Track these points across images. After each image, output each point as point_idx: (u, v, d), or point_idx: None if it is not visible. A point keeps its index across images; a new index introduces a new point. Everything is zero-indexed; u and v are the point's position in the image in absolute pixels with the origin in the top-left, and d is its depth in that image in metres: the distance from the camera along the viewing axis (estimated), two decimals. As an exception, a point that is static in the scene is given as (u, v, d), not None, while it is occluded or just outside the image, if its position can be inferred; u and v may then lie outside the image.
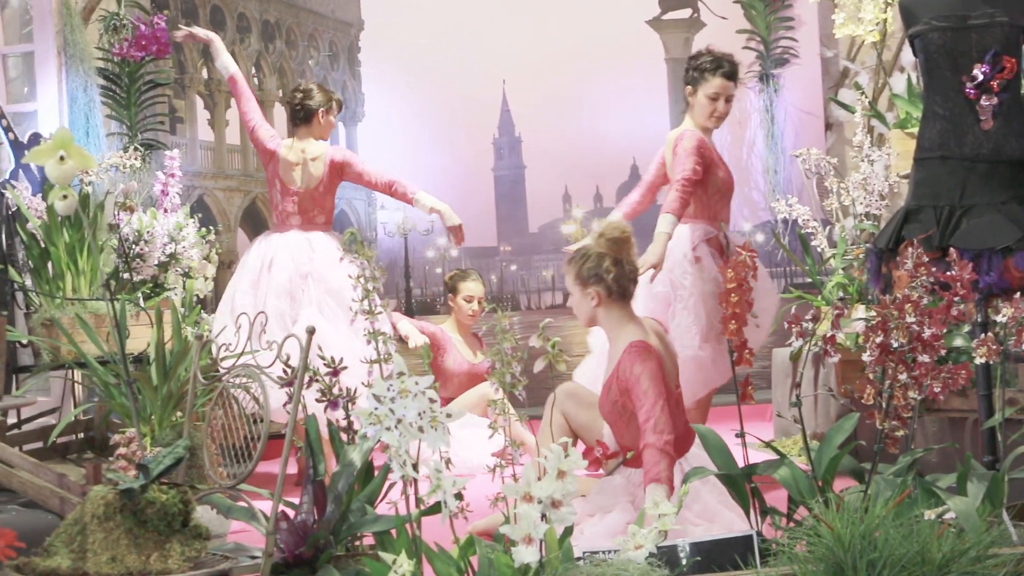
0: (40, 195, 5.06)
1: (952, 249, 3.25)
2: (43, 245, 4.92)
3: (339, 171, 5.13)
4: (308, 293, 4.92)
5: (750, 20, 6.96)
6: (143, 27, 5.96)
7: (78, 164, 2.78)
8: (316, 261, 4.96)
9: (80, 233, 4.85)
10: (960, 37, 3.79)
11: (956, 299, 3.10)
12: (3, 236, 5.04)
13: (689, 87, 4.65)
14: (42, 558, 2.64)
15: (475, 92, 7.51)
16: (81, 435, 4.82)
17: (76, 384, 5.31)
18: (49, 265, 4.91)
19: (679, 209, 4.32)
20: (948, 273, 3.12)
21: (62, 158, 2.72)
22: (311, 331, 2.88)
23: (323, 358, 3.16)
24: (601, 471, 3.93)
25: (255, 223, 7.34)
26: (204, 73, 7.19)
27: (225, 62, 5.19)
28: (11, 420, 4.92)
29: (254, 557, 2.88)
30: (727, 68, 4.60)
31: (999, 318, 3.16)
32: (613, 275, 3.80)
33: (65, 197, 2.78)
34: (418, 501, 2.82)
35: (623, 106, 7.24)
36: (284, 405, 3.19)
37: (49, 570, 2.61)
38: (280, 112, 7.47)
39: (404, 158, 6.36)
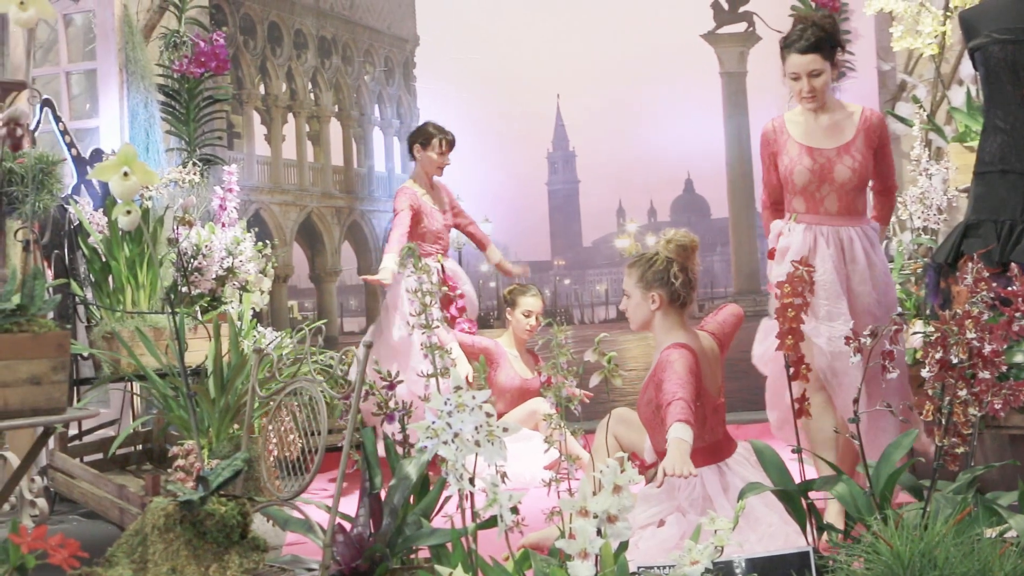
0: (102, 210, 5.14)
1: (1013, 264, 3.21)
2: (104, 259, 5.00)
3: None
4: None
5: (805, 32, 6.91)
6: (202, 44, 6.05)
7: (141, 180, 2.83)
8: None
9: (140, 247, 4.92)
10: (1021, 50, 3.76)
11: (1017, 314, 3.06)
12: (66, 250, 5.12)
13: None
14: (104, 568, 2.68)
15: (529, 106, 7.53)
16: (140, 447, 4.88)
17: (136, 396, 5.37)
18: (110, 279, 4.98)
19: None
20: (1009, 288, 3.08)
21: (126, 174, 2.77)
22: (368, 345, 2.90)
23: (379, 371, 3.18)
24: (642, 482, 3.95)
25: (311, 237, 7.40)
26: (261, 89, 7.28)
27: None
28: (72, 432, 5.00)
29: (311, 569, 2.90)
30: (798, 41, 4.01)
31: (1061, 334, 3.11)
32: (680, 281, 3.88)
33: (129, 212, 2.83)
34: (474, 515, 2.82)
35: (677, 120, 7.22)
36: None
37: (111, 580, 2.65)
38: (335, 127, 7.55)
39: (458, 172, 6.37)
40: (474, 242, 6.28)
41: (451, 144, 6.05)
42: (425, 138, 6.07)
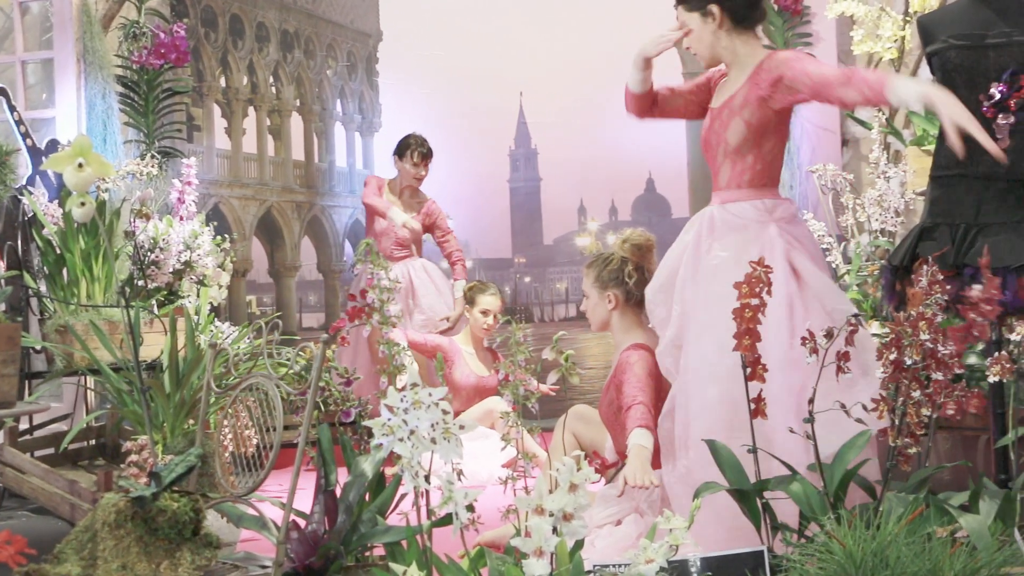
0: (56, 201, 5.08)
1: (985, 260, 3.22)
2: (58, 251, 4.94)
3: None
4: None
5: (768, 36, 6.95)
6: (162, 35, 5.99)
7: (96, 171, 2.79)
8: None
9: (96, 240, 4.87)
10: (978, 56, 3.78)
11: (978, 318, 3.08)
12: (19, 242, 5.05)
13: None
14: (52, 565, 2.65)
15: (492, 104, 7.52)
16: (93, 442, 4.83)
17: (89, 391, 5.32)
18: (64, 271, 4.93)
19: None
20: (972, 290, 3.10)
21: (80, 165, 2.74)
22: (326, 341, 2.88)
23: (336, 367, 3.16)
24: (602, 481, 3.96)
25: (270, 232, 7.36)
26: (222, 82, 7.22)
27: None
28: (23, 426, 4.94)
29: (264, 566, 2.88)
30: None
31: (1013, 337, 3.15)
32: (634, 280, 3.90)
33: (83, 204, 2.80)
34: (429, 512, 2.82)
35: (639, 120, 7.23)
36: None
37: (60, 576, 2.61)
38: (296, 121, 7.50)
39: (419, 168, 6.42)
40: (450, 267, 6.46)
41: (426, 156, 6.20)
42: (402, 148, 6.32)
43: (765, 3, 3.72)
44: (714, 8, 3.63)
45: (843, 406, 3.15)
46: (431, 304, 6.25)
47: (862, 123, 6.42)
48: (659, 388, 3.79)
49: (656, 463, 3.91)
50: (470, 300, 6.06)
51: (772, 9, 6.64)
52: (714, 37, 3.68)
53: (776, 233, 3.55)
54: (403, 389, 2.47)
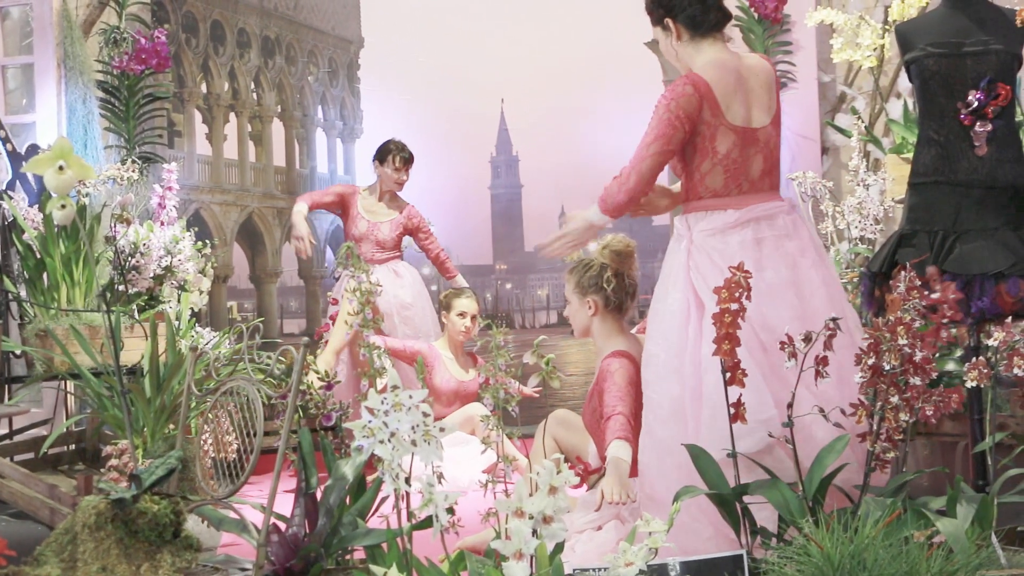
0: (37, 206, 5.07)
1: (932, 268, 3.26)
2: (39, 256, 4.93)
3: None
4: None
5: (748, 44, 7.00)
6: (143, 41, 5.98)
7: (77, 174, 2.79)
8: None
9: (76, 244, 4.86)
10: (955, 64, 3.82)
11: (944, 321, 3.11)
12: (-1, 246, 5.04)
13: None
14: (32, 567, 2.64)
15: (473, 110, 7.53)
16: (73, 447, 4.81)
17: (69, 395, 5.30)
18: (44, 276, 4.91)
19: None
20: (933, 296, 3.13)
21: (61, 168, 2.73)
22: (307, 345, 2.88)
23: (316, 371, 3.17)
24: (584, 488, 3.97)
25: (251, 238, 7.35)
26: (203, 87, 7.21)
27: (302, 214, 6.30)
28: (3, 430, 4.92)
29: (244, 569, 2.88)
30: None
31: (990, 342, 3.17)
32: (613, 286, 3.93)
33: (63, 207, 2.79)
34: (409, 515, 2.82)
35: (621, 127, 7.25)
36: None
37: (39, 579, 2.61)
38: (278, 127, 7.50)
39: (401, 175, 6.44)
40: (438, 269, 6.55)
41: (407, 161, 6.31)
42: (383, 154, 6.40)
43: (722, 7, 3.73)
44: (669, 22, 3.67)
45: (821, 410, 3.17)
46: (412, 306, 6.28)
47: (842, 131, 6.46)
48: (639, 395, 3.80)
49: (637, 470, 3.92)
50: (446, 306, 6.11)
51: (752, 17, 6.68)
52: (676, 48, 3.71)
53: (685, 247, 3.60)
54: (384, 391, 2.47)
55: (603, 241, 4.06)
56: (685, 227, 3.66)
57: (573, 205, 7.77)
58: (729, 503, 3.16)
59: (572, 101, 7.46)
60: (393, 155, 6.35)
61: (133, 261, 5.09)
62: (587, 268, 4.01)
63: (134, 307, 5.01)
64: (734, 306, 3.21)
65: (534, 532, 2.51)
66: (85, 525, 2.61)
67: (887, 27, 6.00)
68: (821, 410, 3.15)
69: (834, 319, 3.13)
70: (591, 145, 7.38)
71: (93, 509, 2.63)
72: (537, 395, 3.10)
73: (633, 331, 4.16)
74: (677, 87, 3.54)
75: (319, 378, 3.18)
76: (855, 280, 5.25)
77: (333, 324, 5.89)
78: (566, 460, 4.08)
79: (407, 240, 6.56)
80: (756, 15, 6.63)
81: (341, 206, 6.49)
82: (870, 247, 5.48)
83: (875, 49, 6.07)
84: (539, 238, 7.80)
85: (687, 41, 3.68)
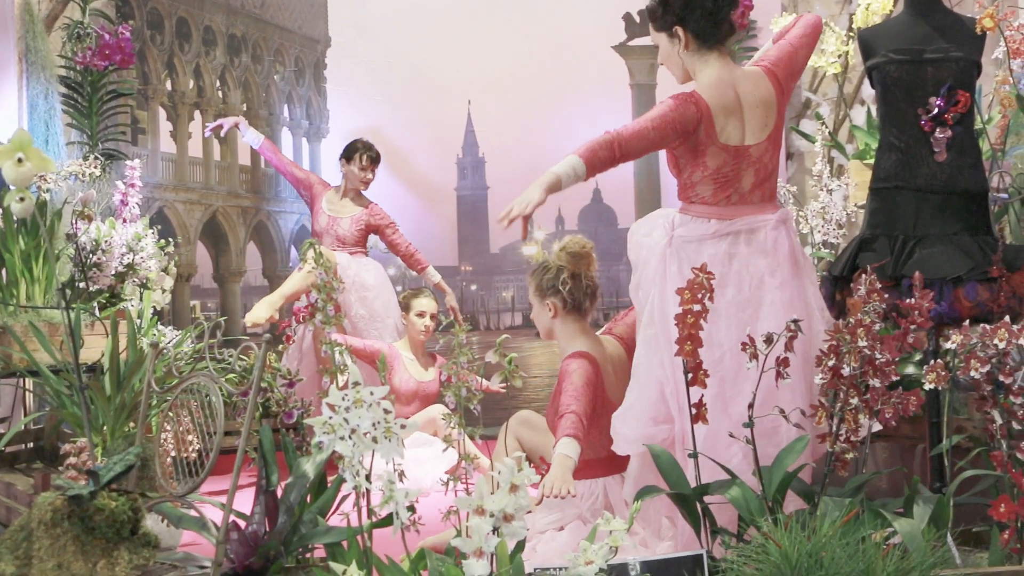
0: (-3, 201, 5.01)
1: (917, 274, 3.28)
2: (-2, 252, 4.87)
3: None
4: None
5: (714, 49, 7.03)
6: (107, 36, 5.93)
7: (36, 167, 2.76)
8: None
9: (36, 241, 4.81)
10: (916, 70, 3.86)
11: (912, 327, 3.14)
12: (-42, 242, 4.97)
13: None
14: (-14, 564, 2.61)
15: (440, 112, 7.53)
16: (31, 445, 4.76)
17: (28, 393, 5.24)
18: (3, 272, 4.85)
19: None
20: (907, 300, 3.16)
21: (20, 160, 2.71)
22: (268, 341, 2.87)
23: (278, 369, 3.16)
24: None
25: (215, 237, 7.30)
26: (168, 85, 7.17)
27: (250, 139, 6.57)
28: (-40, 428, 4.85)
29: (203, 567, 2.86)
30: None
31: (948, 346, 3.21)
32: (569, 287, 3.94)
33: (22, 199, 2.77)
34: (370, 513, 2.81)
35: (587, 130, 7.22)
36: None
37: (-7, 576, 2.58)
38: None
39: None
40: (408, 263, 6.55)
41: (373, 160, 6.35)
42: (350, 152, 6.46)
43: (731, 20, 3.73)
44: (679, 30, 3.67)
45: (782, 411, 3.20)
46: (372, 287, 6.29)
47: (806, 136, 6.50)
48: (598, 396, 3.81)
49: (599, 471, 3.93)
50: (405, 307, 6.15)
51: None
52: (681, 57, 3.72)
53: (664, 245, 3.67)
54: (345, 387, 2.47)
55: (560, 243, 4.08)
56: (671, 224, 3.72)
57: (539, 207, 7.78)
58: (690, 503, 3.18)
59: (540, 103, 7.47)
60: (360, 153, 6.37)
61: (94, 258, 5.04)
62: (545, 271, 4.03)
63: (95, 304, 4.97)
64: (696, 307, 3.23)
65: (495, 530, 2.51)
66: (41, 522, 2.58)
67: (851, 34, 6.05)
68: (782, 411, 3.17)
69: (795, 321, 3.15)
70: (558, 147, 7.34)
71: (49, 506, 2.60)
72: (502, 391, 3.09)
73: (598, 333, 4.17)
74: (683, 103, 3.56)
75: (281, 376, 3.17)
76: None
77: (295, 321, 5.87)
78: (529, 460, 4.08)
79: (373, 241, 6.55)
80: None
81: (308, 189, 6.57)
82: (833, 252, 5.53)
83: (839, 56, 6.10)
84: (504, 240, 7.88)
85: (694, 51, 3.69)
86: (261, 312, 5.96)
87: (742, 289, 3.59)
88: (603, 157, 3.48)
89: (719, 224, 3.61)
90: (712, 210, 3.63)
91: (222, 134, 6.77)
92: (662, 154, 3.83)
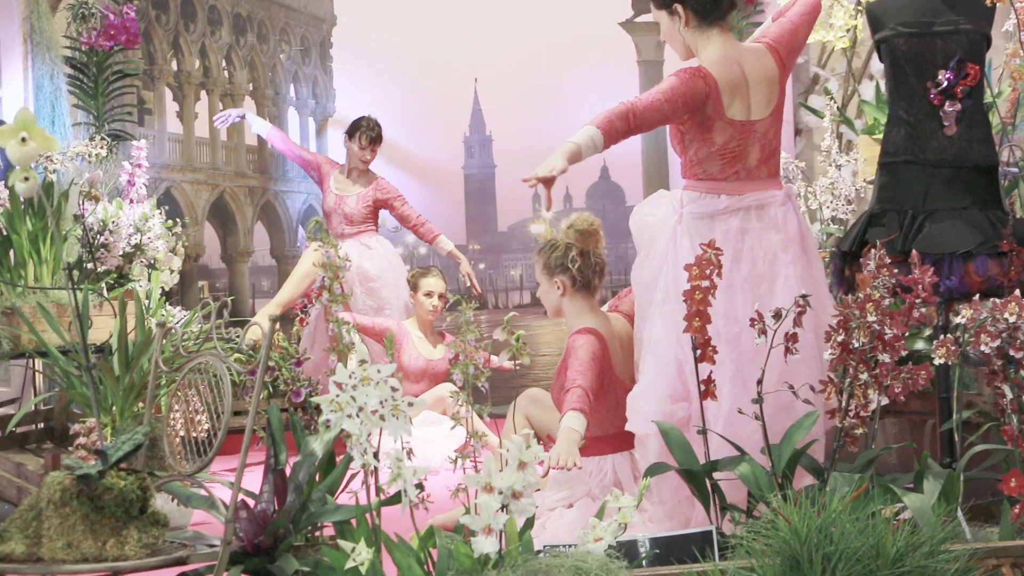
0: (2, 183, 5.01)
1: (914, 252, 3.28)
2: (5, 233, 4.87)
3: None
4: None
5: (721, 24, 6.99)
6: (112, 16, 5.91)
7: (40, 146, 2.75)
8: None
9: (43, 222, 4.80)
10: (925, 43, 3.83)
11: (918, 301, 3.13)
12: (-35, 224, 4.97)
13: None
14: (-4, 543, 2.62)
15: (447, 90, 7.50)
16: (41, 425, 4.77)
17: (37, 373, 5.25)
18: (11, 253, 4.85)
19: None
20: (910, 276, 3.15)
21: (24, 139, 2.70)
22: (275, 319, 2.87)
23: (286, 348, 3.15)
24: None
25: (223, 217, 7.30)
26: (174, 65, 7.15)
27: (257, 130, 6.64)
28: (-30, 409, 4.87)
29: (212, 545, 2.86)
30: None
31: (958, 321, 3.20)
32: (578, 265, 3.94)
33: (27, 179, 2.76)
34: (378, 491, 2.81)
35: (595, 107, 7.20)
36: None
37: (3, 555, 2.58)
38: (249, 105, 7.44)
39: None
40: (418, 234, 6.51)
41: (374, 140, 6.31)
42: (353, 129, 6.43)
43: None
44: (678, 7, 3.65)
45: (791, 387, 3.19)
46: (377, 278, 6.28)
47: (815, 112, 6.47)
48: (604, 372, 3.80)
49: (607, 447, 3.93)
50: (413, 286, 6.14)
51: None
52: (682, 34, 3.70)
53: (675, 223, 3.65)
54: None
55: (568, 221, 4.07)
56: (679, 202, 3.70)
57: (546, 185, 7.75)
58: (699, 479, 3.18)
59: (546, 81, 7.44)
60: (361, 133, 6.36)
61: (102, 239, 5.04)
62: (553, 249, 4.01)
63: (103, 285, 4.97)
64: (704, 283, 3.22)
65: (504, 507, 2.50)
66: (50, 501, 2.59)
67: (859, 8, 6.00)
68: (791, 387, 3.16)
69: (804, 296, 3.14)
70: (565, 125, 7.31)
71: (58, 485, 2.61)
72: (510, 368, 3.08)
73: (603, 309, 4.16)
74: (692, 76, 3.54)
75: (290, 355, 3.16)
76: (826, 259, 5.28)
77: (307, 302, 5.88)
78: (538, 438, 4.08)
79: (383, 220, 6.55)
80: (731, -4, 6.62)
81: (317, 170, 6.56)
82: (842, 227, 5.50)
83: (848, 30, 6.07)
84: (512, 218, 7.86)
85: (695, 28, 3.67)
86: (258, 331, 5.89)
87: (756, 264, 3.59)
88: (620, 128, 3.46)
89: (730, 200, 3.60)
90: (722, 186, 3.62)
91: (225, 126, 6.73)
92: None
